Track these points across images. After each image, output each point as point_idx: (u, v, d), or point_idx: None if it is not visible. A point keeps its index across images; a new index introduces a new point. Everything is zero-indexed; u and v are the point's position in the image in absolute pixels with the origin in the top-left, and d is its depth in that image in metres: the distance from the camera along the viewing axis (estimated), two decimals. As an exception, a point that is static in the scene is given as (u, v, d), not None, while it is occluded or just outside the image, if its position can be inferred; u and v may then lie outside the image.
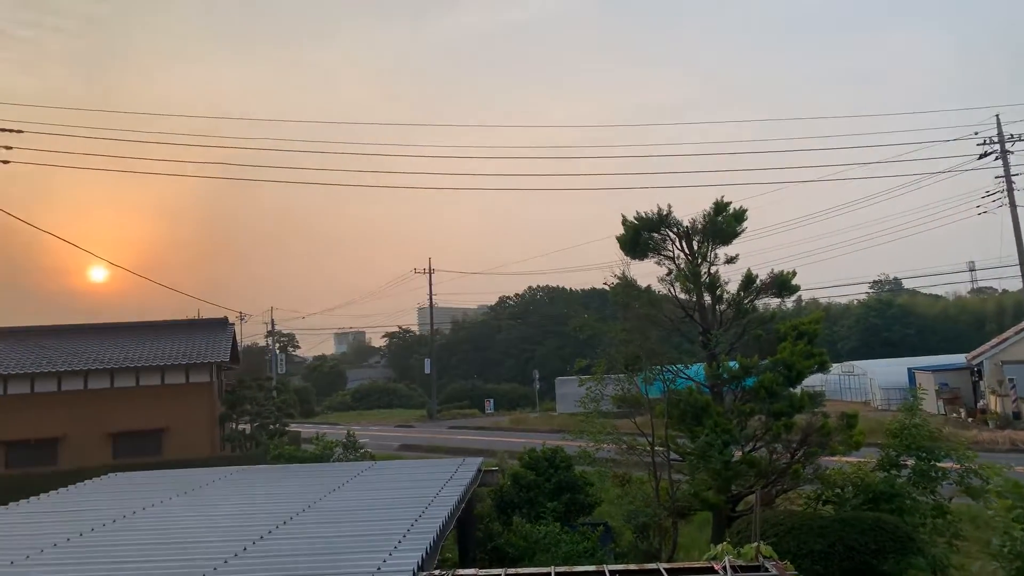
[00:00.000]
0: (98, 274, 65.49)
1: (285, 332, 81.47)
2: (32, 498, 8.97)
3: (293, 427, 36.44)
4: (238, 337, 43.21)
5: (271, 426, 30.72)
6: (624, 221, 12.88)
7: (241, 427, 31.93)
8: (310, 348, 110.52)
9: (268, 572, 5.27)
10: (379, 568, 5.12)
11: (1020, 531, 5.98)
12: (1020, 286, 31.45)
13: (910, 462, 10.78)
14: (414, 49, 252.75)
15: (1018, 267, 30.26)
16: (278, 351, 65.05)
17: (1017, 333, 33.67)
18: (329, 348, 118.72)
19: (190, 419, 28.53)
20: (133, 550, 6.17)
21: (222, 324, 32.78)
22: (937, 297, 76.00)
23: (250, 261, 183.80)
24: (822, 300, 62.92)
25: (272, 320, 61.55)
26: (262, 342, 72.84)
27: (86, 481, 10.34)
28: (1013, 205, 29.96)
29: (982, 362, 33.98)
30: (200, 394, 29.49)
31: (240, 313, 59.92)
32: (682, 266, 12.60)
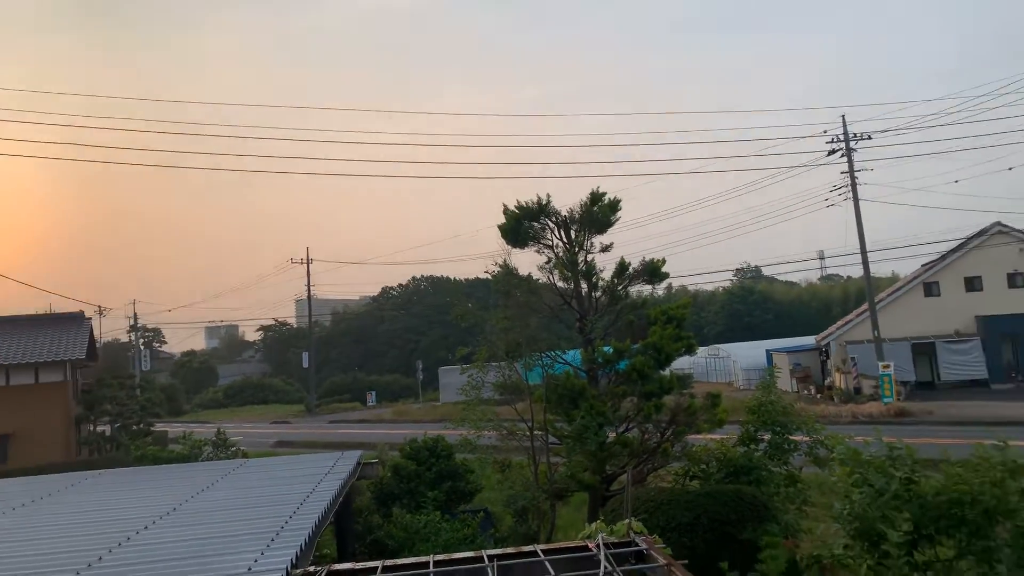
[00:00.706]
0: (-74, 265, 58.63)
1: (150, 327, 76.47)
2: None
3: (159, 427, 34.32)
4: (96, 333, 40.16)
5: (134, 427, 28.81)
6: (505, 210, 13.03)
7: (100, 429, 29.76)
8: (178, 343, 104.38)
9: (128, 580, 4.96)
10: (250, 568, 4.94)
11: (858, 495, 6.57)
12: (862, 273, 34.44)
13: (767, 436, 11.59)
14: (288, 35, 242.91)
15: (860, 255, 33.13)
16: (142, 347, 60.92)
17: (859, 316, 37.06)
18: (199, 343, 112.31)
19: (41, 422, 26.24)
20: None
21: (77, 319, 30.31)
22: (792, 284, 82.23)
23: (111, 252, 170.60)
24: (690, 287, 66.45)
25: (135, 314, 57.57)
26: (124, 338, 68.02)
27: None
28: (856, 199, 32.77)
29: (829, 343, 37.15)
30: (52, 395, 27.18)
31: (99, 307, 55.57)
32: (561, 254, 12.91)
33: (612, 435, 11.70)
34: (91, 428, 29.49)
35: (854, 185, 32.74)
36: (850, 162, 32.79)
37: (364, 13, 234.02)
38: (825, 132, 33.45)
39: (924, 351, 34.87)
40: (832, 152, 33.20)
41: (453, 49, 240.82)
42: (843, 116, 33.07)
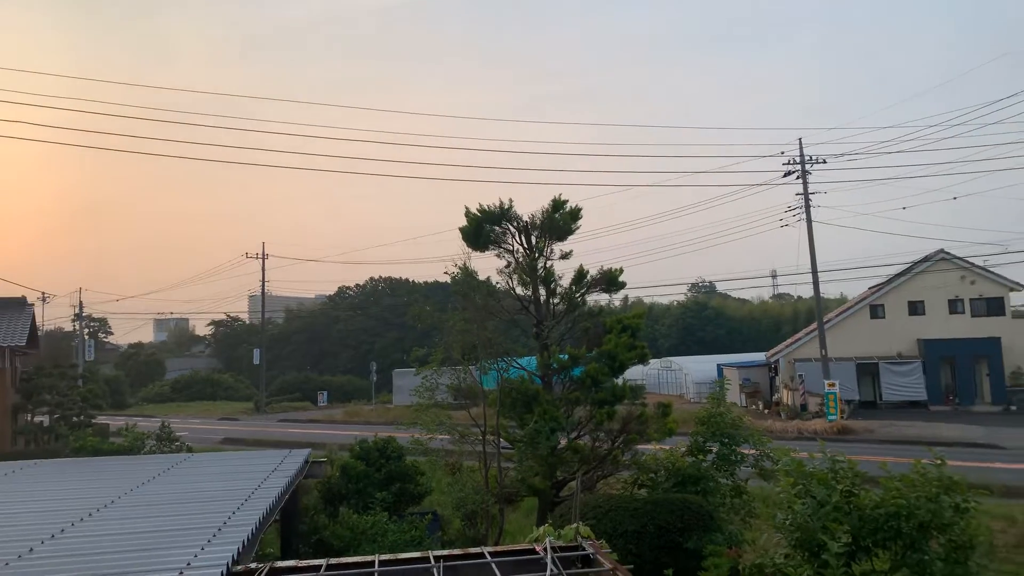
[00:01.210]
0: None
1: (96, 316, 74.15)
2: None
3: (102, 419, 33.20)
4: (39, 320, 38.75)
5: (74, 418, 27.84)
6: (467, 213, 13.02)
7: (39, 419, 28.70)
8: (125, 334, 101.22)
9: (60, 571, 4.79)
10: (189, 563, 4.82)
11: (800, 506, 6.73)
12: (812, 293, 35.34)
13: (715, 448, 11.78)
14: (253, 27, 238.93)
15: (811, 275, 34.01)
16: (87, 336, 59.03)
17: (808, 334, 37.99)
18: (147, 335, 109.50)
19: (-27, 410, 25.20)
20: None
21: (19, 304, 29.19)
22: (744, 301, 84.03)
23: (57, 237, 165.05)
24: (646, 299, 67.44)
25: (80, 302, 55.81)
26: (69, 327, 65.79)
27: None
28: (809, 221, 33.62)
29: (779, 360, 38.00)
30: (-13, 382, 26.13)
31: (42, 293, 53.82)
32: (520, 260, 12.95)
33: (564, 441, 11.75)
34: (28, 418, 28.43)
35: (808, 207, 33.60)
36: (805, 184, 33.65)
37: (334, 9, 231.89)
38: (782, 153, 34.29)
39: (868, 371, 35.90)
40: (788, 174, 34.03)
41: (425, 47, 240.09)
42: (799, 139, 33.93)
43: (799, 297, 78.17)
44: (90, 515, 6.49)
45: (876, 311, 37.34)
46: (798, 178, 33.74)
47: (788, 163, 33.92)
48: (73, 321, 56.86)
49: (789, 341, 40.30)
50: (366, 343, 72.20)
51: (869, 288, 39.43)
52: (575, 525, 5.90)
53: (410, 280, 78.12)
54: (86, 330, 59.25)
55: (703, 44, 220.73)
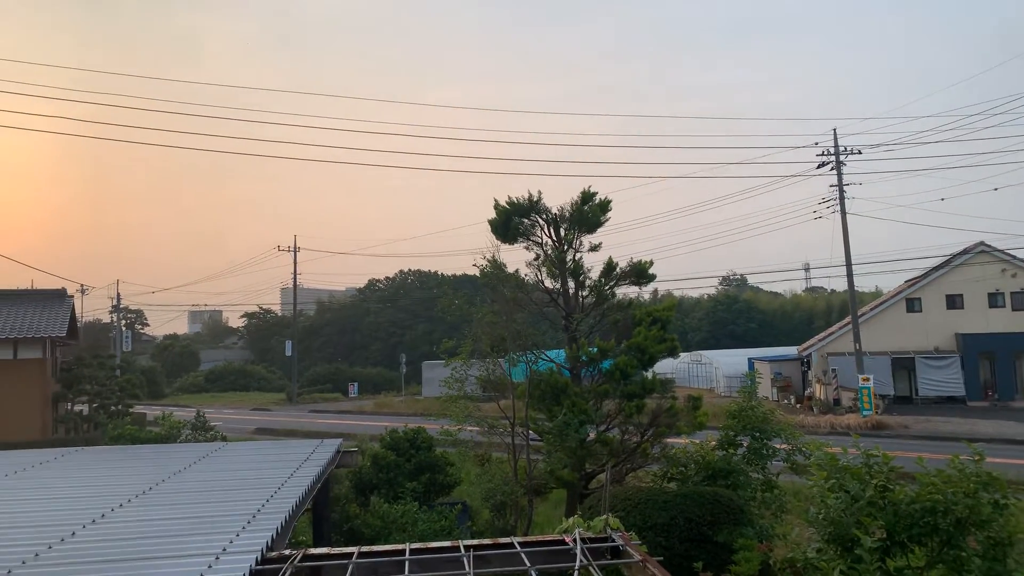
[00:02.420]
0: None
1: (133, 308, 75.72)
2: None
3: (139, 408, 34.02)
4: (78, 311, 39.68)
5: (112, 407, 28.55)
6: (496, 205, 13.03)
7: (78, 408, 29.45)
8: (161, 326, 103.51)
9: (102, 555, 4.91)
10: (224, 549, 4.91)
11: (833, 500, 6.64)
12: (846, 286, 34.71)
13: (746, 441, 11.67)
14: (286, 20, 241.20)
15: (845, 268, 33.40)
16: (124, 328, 60.32)
17: (841, 328, 37.38)
18: (182, 327, 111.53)
19: (17, 398, 25.91)
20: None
21: (59, 295, 29.94)
22: (776, 294, 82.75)
23: (97, 230, 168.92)
24: (676, 292, 66.82)
25: (118, 294, 56.94)
26: (106, 318, 67.30)
27: None
28: (844, 213, 32.99)
29: (811, 354, 37.46)
30: (30, 371, 26.85)
31: (81, 285, 55.04)
32: (549, 252, 12.93)
33: (593, 434, 11.74)
34: (68, 407, 29.19)
35: (842, 199, 32.98)
36: (839, 175, 33.03)
37: (364, 3, 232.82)
38: (816, 144, 33.69)
39: (904, 366, 35.22)
40: (822, 165, 33.43)
41: (455, 40, 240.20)
42: (834, 130, 33.32)
43: (832, 291, 76.91)
44: (129, 501, 6.64)
45: (912, 305, 36.57)
46: (832, 169, 33.13)
47: (822, 154, 33.31)
48: (111, 312, 57.96)
49: (822, 335, 39.68)
50: (396, 335, 72.73)
51: (905, 281, 38.61)
52: (604, 517, 5.89)
53: (439, 273, 78.43)
54: (123, 321, 60.51)
55: (734, 34, 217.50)
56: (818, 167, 33.60)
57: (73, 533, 5.45)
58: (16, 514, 6.36)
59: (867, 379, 30.01)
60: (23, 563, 4.70)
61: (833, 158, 33.04)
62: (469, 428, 12.99)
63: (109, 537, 5.37)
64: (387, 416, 37.89)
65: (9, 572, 4.50)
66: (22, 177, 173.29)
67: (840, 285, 50.96)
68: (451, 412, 12.98)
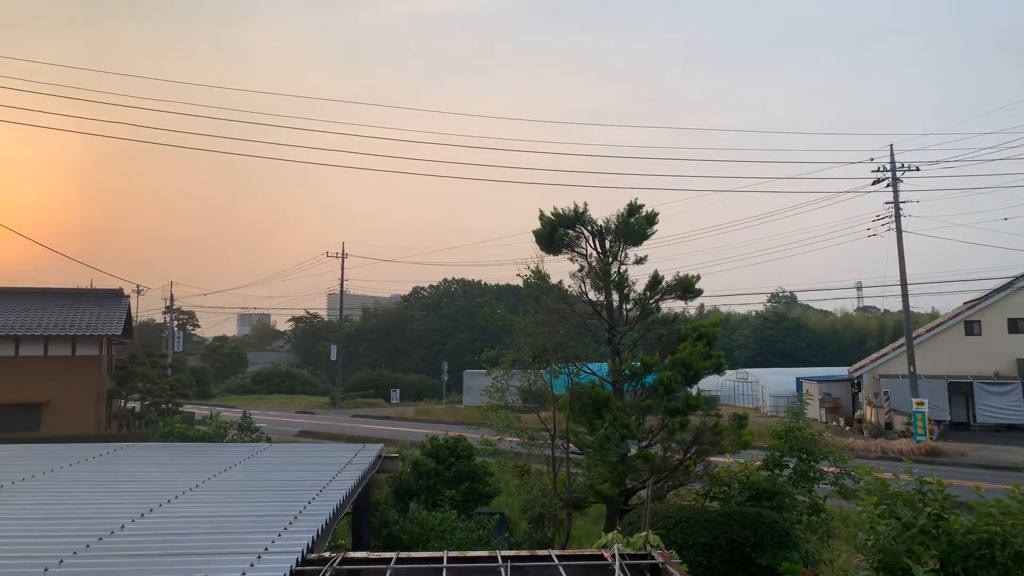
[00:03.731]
0: (-22, 235, 60.47)
1: (185, 309, 77.90)
2: None
3: (188, 407, 34.91)
4: (133, 311, 40.98)
5: (163, 405, 29.36)
6: (541, 216, 13.04)
7: (131, 405, 30.37)
8: (211, 328, 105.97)
9: (148, 549, 5.04)
10: (267, 548, 4.99)
11: (884, 526, 6.41)
12: (901, 307, 33.63)
13: (792, 463, 11.37)
14: (336, 32, 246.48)
15: (899, 288, 32.38)
16: (176, 328, 62.07)
17: (894, 349, 36.21)
18: (231, 329, 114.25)
19: (74, 394, 26.89)
20: (2, 525, 5.77)
21: (116, 296, 31.02)
22: (826, 313, 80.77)
23: (153, 233, 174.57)
24: (723, 308, 65.67)
25: (171, 295, 58.66)
26: (159, 319, 69.40)
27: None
28: (899, 231, 32.02)
29: (862, 375, 36.38)
30: (86, 368, 27.85)
31: (137, 286, 56.86)
32: (594, 264, 12.86)
33: (634, 449, 11.58)
34: (122, 404, 30.11)
35: (898, 216, 32.02)
36: (895, 192, 32.10)
37: (408, 17, 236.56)
38: (872, 160, 32.81)
39: (961, 391, 33.92)
40: (877, 181, 32.54)
41: (507, 54, 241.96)
42: (891, 145, 32.39)
43: (886, 311, 74.72)
44: (176, 498, 6.80)
45: (971, 327, 35.23)
46: (888, 186, 32.21)
47: (878, 170, 32.42)
48: (164, 313, 59.70)
49: (874, 356, 38.51)
50: (438, 343, 73.25)
51: (964, 303, 37.23)
52: (644, 533, 5.80)
53: (483, 282, 78.82)
54: (175, 322, 62.26)
55: (787, 49, 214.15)
56: (873, 183, 32.70)
57: (123, 526, 5.61)
58: (71, 505, 6.57)
59: (921, 403, 28.99)
60: (74, 553, 4.85)
61: (889, 174, 32.15)
62: (509, 438, 12.96)
63: (156, 532, 5.51)
64: (428, 423, 38.11)
65: (61, 561, 4.65)
66: (82, 181, 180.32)
67: (894, 305, 49.52)
68: (491, 422, 12.97)
